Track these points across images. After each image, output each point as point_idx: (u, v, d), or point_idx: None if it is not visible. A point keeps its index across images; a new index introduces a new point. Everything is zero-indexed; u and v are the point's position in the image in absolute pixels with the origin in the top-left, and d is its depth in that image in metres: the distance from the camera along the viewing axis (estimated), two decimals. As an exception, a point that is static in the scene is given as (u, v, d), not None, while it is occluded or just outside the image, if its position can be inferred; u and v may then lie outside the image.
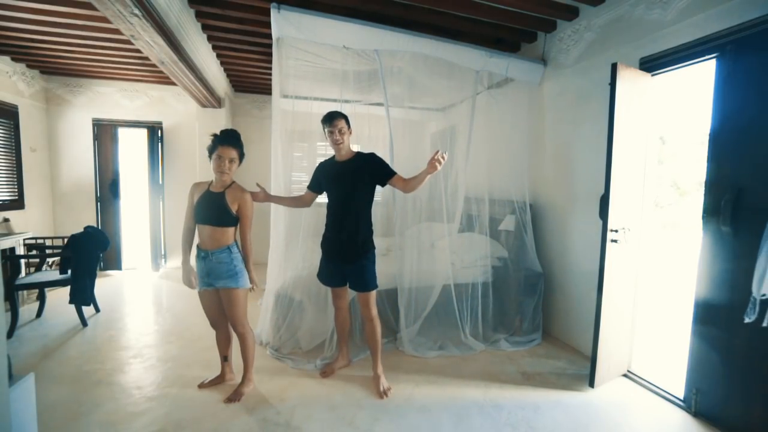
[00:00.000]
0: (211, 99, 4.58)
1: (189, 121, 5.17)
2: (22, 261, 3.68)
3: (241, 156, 2.19)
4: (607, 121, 2.28)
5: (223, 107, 5.03)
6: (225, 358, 2.38)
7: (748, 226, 1.88)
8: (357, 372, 2.56)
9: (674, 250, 5.94)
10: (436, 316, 3.02)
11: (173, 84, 4.69)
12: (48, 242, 3.84)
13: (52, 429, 1.92)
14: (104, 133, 5.01)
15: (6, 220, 3.85)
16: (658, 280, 3.90)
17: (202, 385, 2.33)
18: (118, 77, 4.81)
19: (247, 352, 2.27)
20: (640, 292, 2.61)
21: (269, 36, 2.74)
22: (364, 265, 2.32)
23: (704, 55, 2.14)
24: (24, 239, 3.71)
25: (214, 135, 2.14)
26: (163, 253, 5.33)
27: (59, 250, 3.63)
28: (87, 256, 3.27)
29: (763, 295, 1.70)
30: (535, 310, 3.11)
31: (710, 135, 2.10)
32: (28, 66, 4.34)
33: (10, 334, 2.97)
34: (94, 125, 4.94)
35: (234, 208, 2.13)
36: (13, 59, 4.09)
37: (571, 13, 2.90)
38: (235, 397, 2.19)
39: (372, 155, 2.38)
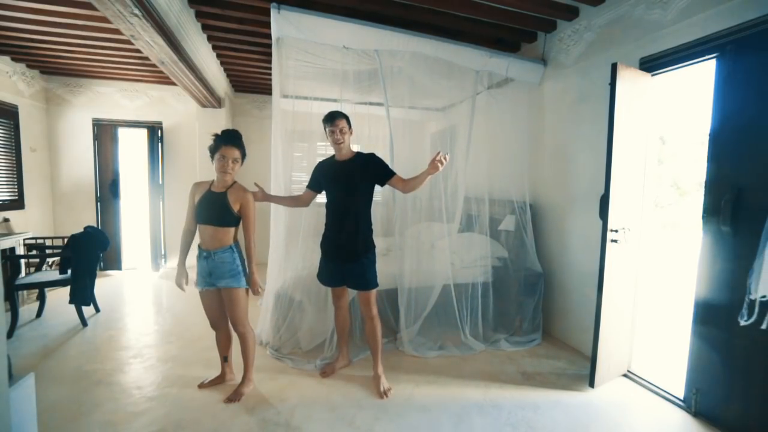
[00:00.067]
0: (211, 99, 4.58)
1: (189, 121, 5.17)
2: (22, 261, 3.67)
3: (243, 156, 2.19)
4: (607, 121, 2.28)
5: (223, 107, 5.03)
6: (225, 359, 2.38)
7: (748, 226, 1.88)
8: (357, 372, 2.56)
9: (674, 250, 5.94)
10: (436, 316, 3.02)
11: (173, 84, 4.69)
12: (48, 242, 3.85)
13: (52, 429, 1.92)
14: (104, 133, 5.01)
15: (6, 220, 3.85)
16: (658, 280, 3.90)
17: (202, 385, 2.33)
18: (118, 77, 4.81)
19: (248, 352, 2.27)
20: (640, 292, 2.61)
21: (269, 36, 2.74)
22: (365, 264, 2.32)
23: (704, 55, 2.14)
24: (24, 239, 3.71)
25: (216, 135, 2.14)
26: (163, 253, 5.33)
27: (59, 250, 3.63)
28: (87, 256, 3.27)
29: (763, 296, 1.69)
30: (535, 310, 3.11)
31: (710, 135, 2.10)
32: (28, 66, 4.35)
33: (10, 334, 2.97)
34: (94, 125, 4.94)
35: (236, 208, 2.13)
36: (13, 59, 4.10)
37: (571, 13, 2.90)
38: (235, 397, 2.19)
39: (372, 155, 2.38)
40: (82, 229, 3.34)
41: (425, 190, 3.21)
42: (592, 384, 2.40)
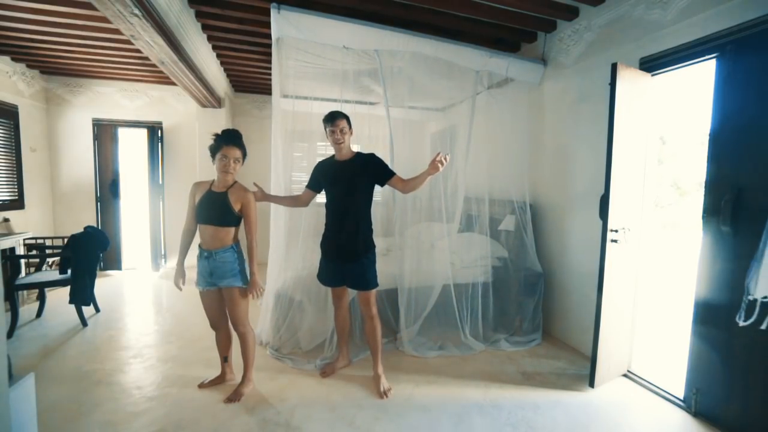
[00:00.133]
0: (211, 99, 4.58)
1: (189, 121, 5.17)
2: (22, 261, 3.67)
3: (245, 155, 2.19)
4: (607, 121, 2.28)
5: (223, 107, 5.03)
6: (225, 359, 2.38)
7: (748, 226, 1.88)
8: (357, 372, 2.56)
9: (674, 250, 5.94)
10: (436, 316, 3.02)
11: (173, 84, 4.69)
12: (48, 242, 3.85)
13: (52, 429, 1.92)
14: (104, 133, 5.01)
15: (6, 220, 3.85)
16: (658, 280, 3.90)
17: (202, 385, 2.33)
18: (118, 77, 4.81)
19: (248, 351, 2.27)
20: (640, 292, 2.61)
21: (269, 36, 2.73)
22: (365, 264, 2.32)
23: (704, 55, 2.14)
24: (24, 239, 3.71)
25: (217, 135, 2.13)
26: (163, 253, 5.33)
27: (59, 250, 3.63)
28: (87, 256, 3.27)
29: (765, 297, 1.69)
30: (535, 310, 3.11)
31: (710, 135, 2.10)
32: (28, 66, 4.35)
33: (10, 334, 2.97)
34: (94, 125, 4.94)
35: (237, 208, 2.13)
36: (13, 59, 4.10)
37: (571, 13, 2.90)
38: (234, 397, 2.19)
39: (372, 156, 2.38)
40: (82, 229, 3.34)
41: (425, 190, 3.21)
42: (592, 384, 2.40)
